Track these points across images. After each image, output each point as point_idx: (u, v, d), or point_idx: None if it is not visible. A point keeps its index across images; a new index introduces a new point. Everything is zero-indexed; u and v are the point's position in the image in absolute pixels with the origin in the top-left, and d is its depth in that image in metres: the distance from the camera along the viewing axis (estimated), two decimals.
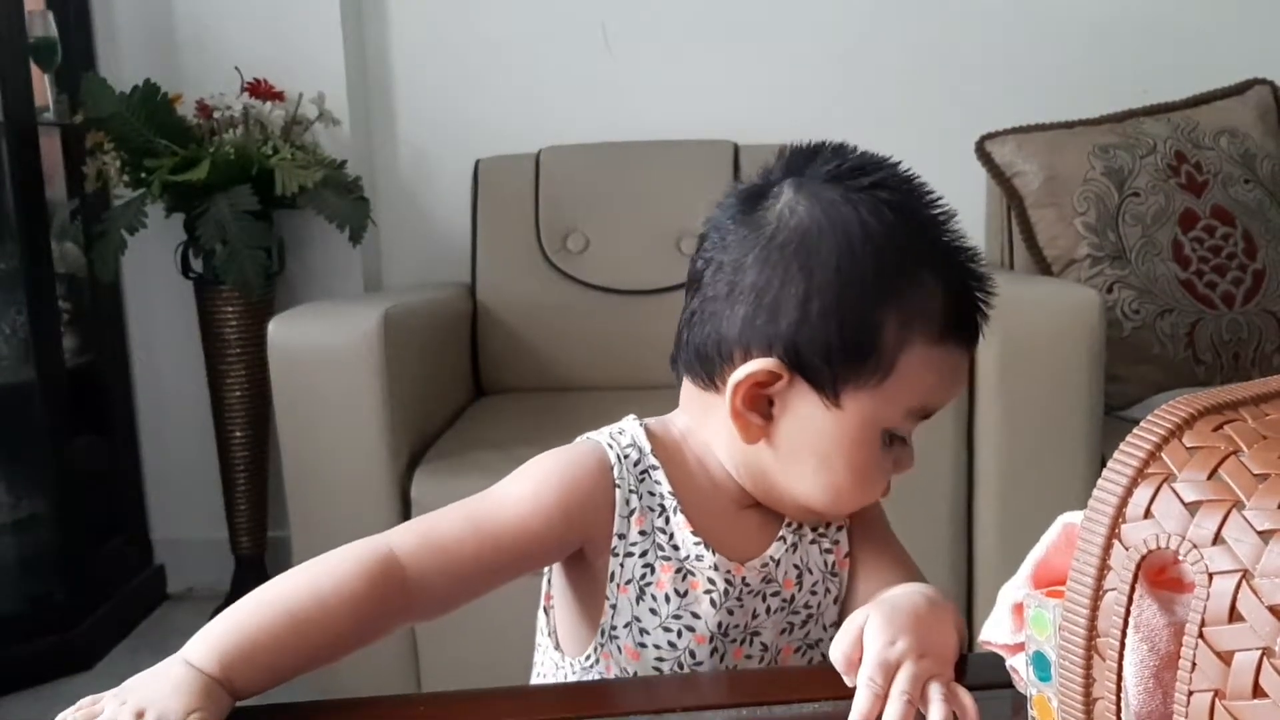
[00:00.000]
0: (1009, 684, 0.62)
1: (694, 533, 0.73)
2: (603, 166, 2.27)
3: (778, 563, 0.76)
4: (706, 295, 0.72)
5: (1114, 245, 1.91)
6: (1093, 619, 0.45)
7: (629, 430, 0.76)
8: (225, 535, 2.30)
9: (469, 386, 2.21)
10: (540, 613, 0.80)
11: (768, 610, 0.76)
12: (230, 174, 2.07)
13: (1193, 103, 2.09)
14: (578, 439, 0.78)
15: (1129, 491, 0.45)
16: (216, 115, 2.16)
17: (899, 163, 0.72)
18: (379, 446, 1.67)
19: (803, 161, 0.72)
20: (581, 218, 2.22)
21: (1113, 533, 0.45)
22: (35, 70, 2.13)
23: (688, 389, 0.76)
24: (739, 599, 0.74)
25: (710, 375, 0.72)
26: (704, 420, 0.75)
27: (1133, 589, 0.44)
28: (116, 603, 2.27)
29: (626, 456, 0.74)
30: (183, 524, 2.46)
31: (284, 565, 1.82)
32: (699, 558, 0.73)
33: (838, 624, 0.74)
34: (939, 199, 0.71)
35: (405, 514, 1.68)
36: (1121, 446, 0.46)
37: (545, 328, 2.20)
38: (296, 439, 1.69)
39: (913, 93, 2.40)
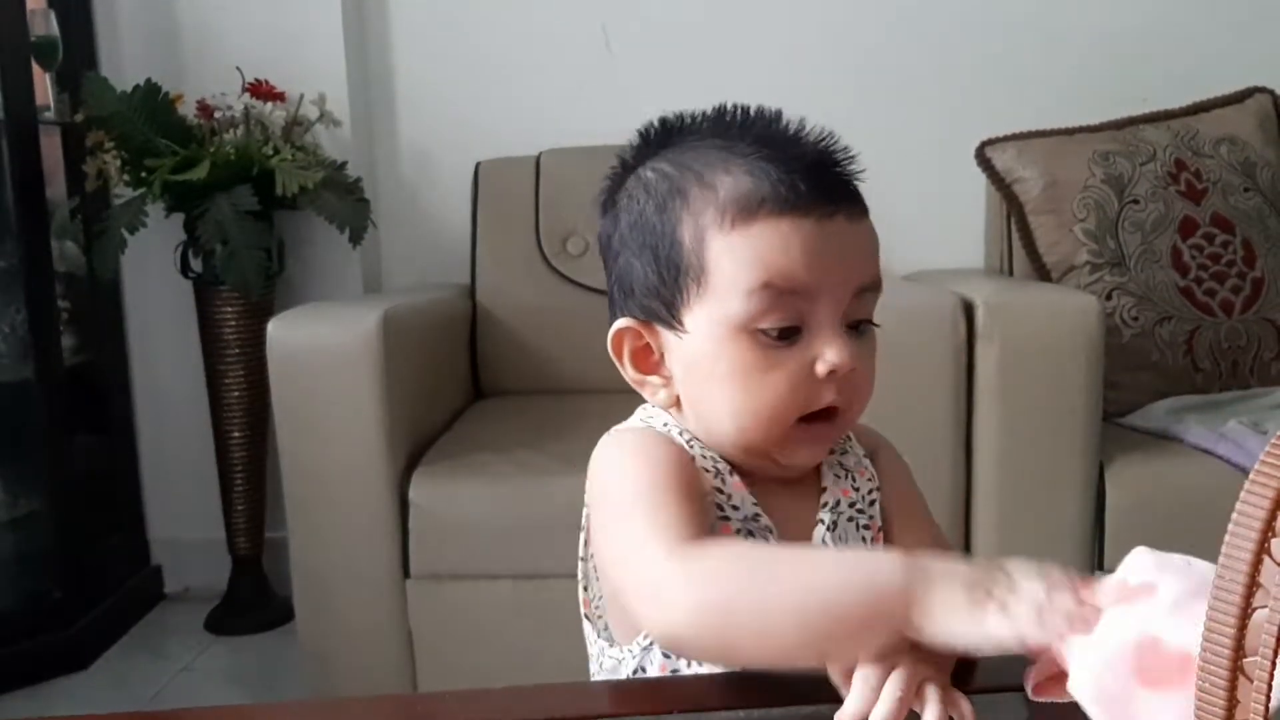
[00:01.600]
0: (1018, 687, 0.61)
1: (751, 492, 0.73)
2: (603, 169, 2.25)
3: (825, 542, 0.75)
4: None
5: (1113, 252, 1.91)
6: (1239, 639, 0.43)
7: (656, 416, 0.77)
8: (222, 535, 2.30)
9: (467, 388, 2.21)
10: (583, 623, 0.78)
11: None
12: (231, 174, 2.07)
13: (1193, 110, 2.10)
14: (604, 437, 0.76)
15: (1277, 504, 0.43)
16: (217, 115, 2.16)
17: (725, 107, 0.75)
18: (377, 448, 1.67)
19: (638, 152, 0.77)
20: (581, 221, 2.22)
21: (1262, 547, 0.43)
22: (36, 69, 2.13)
23: None
24: None
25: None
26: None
27: None
28: (113, 602, 2.27)
29: (667, 429, 0.74)
30: (180, 524, 2.46)
31: (281, 566, 1.83)
32: (756, 517, 0.72)
33: None
34: (760, 110, 0.74)
35: (403, 516, 1.68)
36: (1263, 457, 0.45)
37: (544, 330, 2.20)
38: (295, 439, 1.69)
39: (914, 99, 2.40)
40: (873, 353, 0.73)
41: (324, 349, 1.67)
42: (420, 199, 2.49)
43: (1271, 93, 2.15)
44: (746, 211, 0.68)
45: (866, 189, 0.73)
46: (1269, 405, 1.78)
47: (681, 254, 0.70)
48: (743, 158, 0.70)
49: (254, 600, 2.29)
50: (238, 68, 2.24)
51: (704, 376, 0.71)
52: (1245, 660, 0.43)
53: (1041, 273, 1.97)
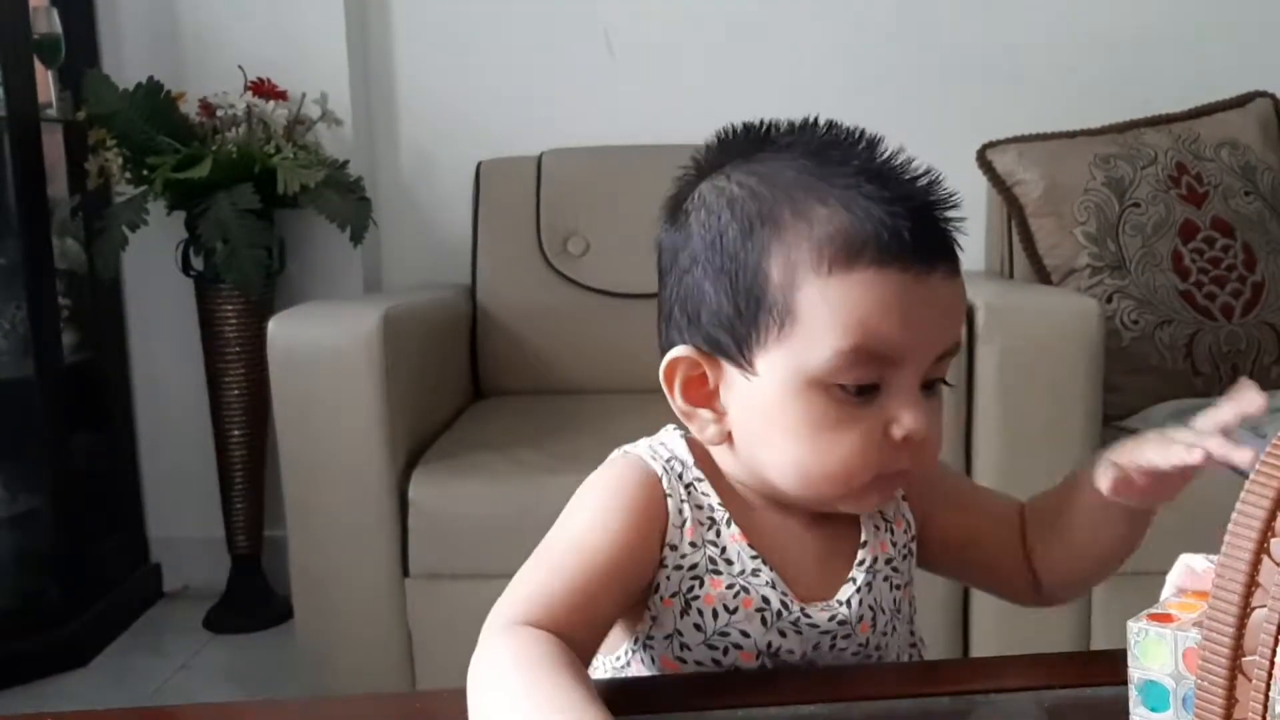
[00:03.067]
0: (1030, 687, 0.62)
1: (750, 545, 0.69)
2: (604, 170, 2.27)
3: (849, 605, 0.71)
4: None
5: (1114, 255, 1.91)
6: (1238, 639, 0.43)
7: (669, 443, 0.73)
8: (222, 534, 2.30)
9: (468, 388, 2.21)
10: None
11: (833, 645, 0.71)
12: (232, 173, 2.07)
13: (1194, 114, 2.09)
14: (614, 453, 0.74)
15: (1277, 504, 0.43)
16: (219, 114, 2.17)
17: (816, 122, 0.69)
18: (377, 447, 1.66)
19: (715, 156, 0.71)
20: (582, 221, 2.22)
21: (1261, 548, 0.43)
22: (39, 67, 2.14)
23: None
24: (795, 627, 0.70)
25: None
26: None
27: None
28: (112, 600, 2.27)
29: (671, 468, 0.71)
30: (179, 522, 2.46)
31: (280, 565, 1.82)
32: (755, 572, 0.69)
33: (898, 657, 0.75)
34: (857, 133, 0.68)
35: (402, 515, 1.68)
36: (1263, 458, 0.45)
37: (544, 330, 2.20)
38: (294, 438, 1.69)
39: (914, 101, 2.40)
40: (940, 411, 0.69)
41: (324, 348, 1.67)
42: (421, 198, 2.49)
43: (1273, 97, 2.15)
44: (847, 256, 0.62)
45: None
46: (1270, 409, 1.78)
47: (767, 289, 0.64)
48: (844, 189, 0.64)
49: (253, 599, 2.28)
50: (240, 66, 2.25)
51: (768, 424, 0.66)
52: (1244, 660, 0.43)
53: (1042, 275, 1.97)
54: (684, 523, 0.69)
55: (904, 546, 0.76)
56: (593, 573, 0.66)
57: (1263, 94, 2.15)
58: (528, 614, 0.64)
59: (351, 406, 1.66)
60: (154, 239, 2.22)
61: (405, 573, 1.69)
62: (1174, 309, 1.88)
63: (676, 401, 0.70)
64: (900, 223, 0.62)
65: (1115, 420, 1.84)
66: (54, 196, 2.19)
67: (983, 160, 2.04)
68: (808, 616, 0.70)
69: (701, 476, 0.71)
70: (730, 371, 0.68)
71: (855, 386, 0.64)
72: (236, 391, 2.20)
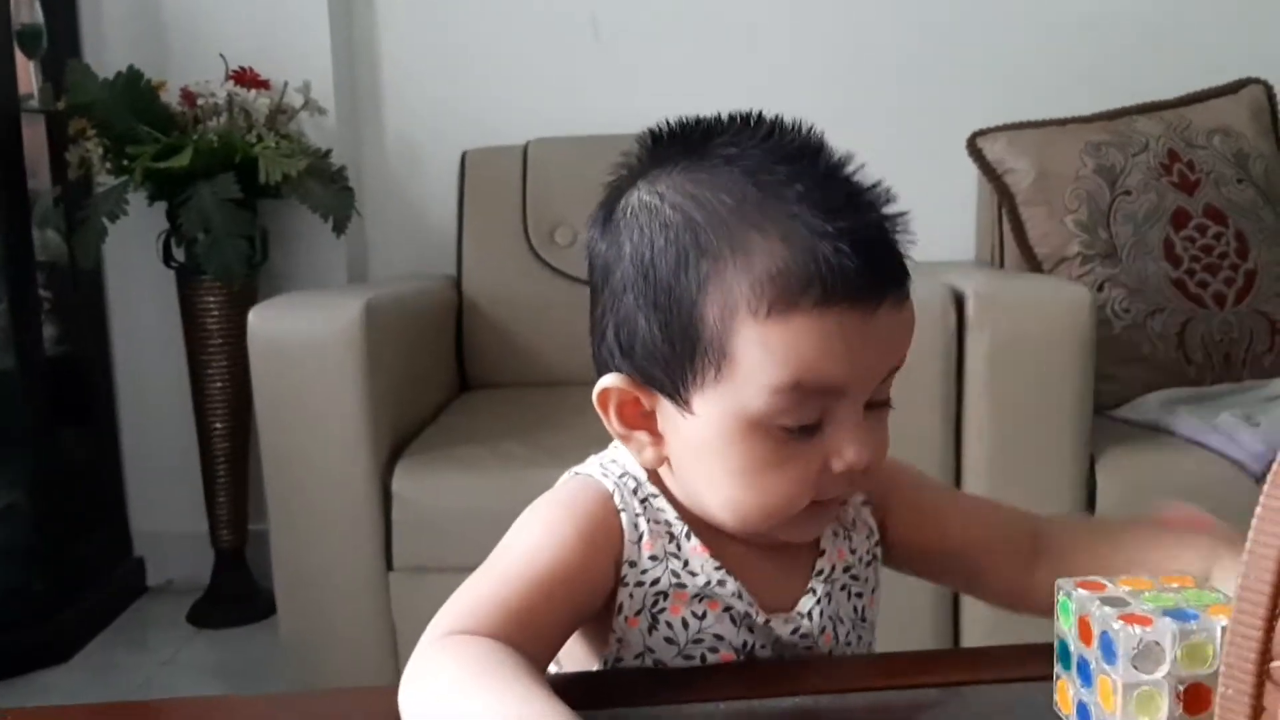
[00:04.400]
0: (1036, 677, 0.61)
1: (713, 556, 0.67)
2: (591, 159, 2.21)
3: (810, 619, 0.69)
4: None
5: (1105, 243, 1.89)
6: (1266, 643, 0.40)
7: (619, 459, 0.70)
8: (206, 528, 2.28)
9: (453, 380, 2.19)
10: None
11: (808, 650, 0.70)
12: (213, 162, 2.05)
13: (1186, 101, 2.08)
14: (563, 476, 0.72)
15: None
16: (201, 103, 2.14)
17: (761, 121, 0.64)
18: (360, 439, 1.65)
19: (649, 157, 0.66)
20: (569, 211, 2.20)
21: None
22: (20, 57, 2.11)
23: None
24: (765, 632, 0.68)
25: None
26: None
27: None
28: (95, 594, 2.25)
29: (624, 484, 0.68)
30: (163, 516, 2.43)
31: (265, 558, 1.80)
32: (720, 583, 0.67)
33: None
34: (801, 139, 0.63)
35: (386, 508, 1.66)
36: None
37: (531, 322, 2.18)
38: (276, 431, 1.67)
39: (905, 89, 2.38)
40: (885, 426, 0.66)
41: (305, 339, 1.64)
42: (406, 188, 2.46)
43: (1265, 84, 2.13)
44: (786, 299, 0.59)
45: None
46: (1261, 398, 1.76)
47: (702, 331, 0.61)
48: (786, 219, 0.59)
49: (237, 593, 2.26)
50: (221, 55, 2.22)
51: (705, 462, 0.64)
52: (1273, 665, 0.40)
53: (1032, 264, 1.95)
54: (640, 537, 0.67)
55: (867, 553, 0.73)
56: (540, 584, 0.63)
57: (1255, 81, 2.13)
58: (468, 624, 0.60)
59: (333, 398, 1.64)
60: (135, 230, 2.19)
61: (389, 566, 1.68)
62: (1166, 297, 1.87)
63: (612, 424, 0.67)
64: (845, 262, 0.58)
65: (1106, 410, 1.82)
66: (36, 188, 2.17)
67: (973, 148, 2.02)
68: (771, 630, 0.68)
69: (657, 492, 0.68)
70: (666, 404, 0.65)
71: (798, 426, 0.61)
72: (219, 384, 2.17)
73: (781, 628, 0.68)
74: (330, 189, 2.14)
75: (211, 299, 2.15)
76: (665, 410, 0.65)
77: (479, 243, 2.23)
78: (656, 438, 0.66)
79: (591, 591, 0.66)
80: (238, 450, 2.22)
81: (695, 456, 0.64)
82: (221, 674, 2.06)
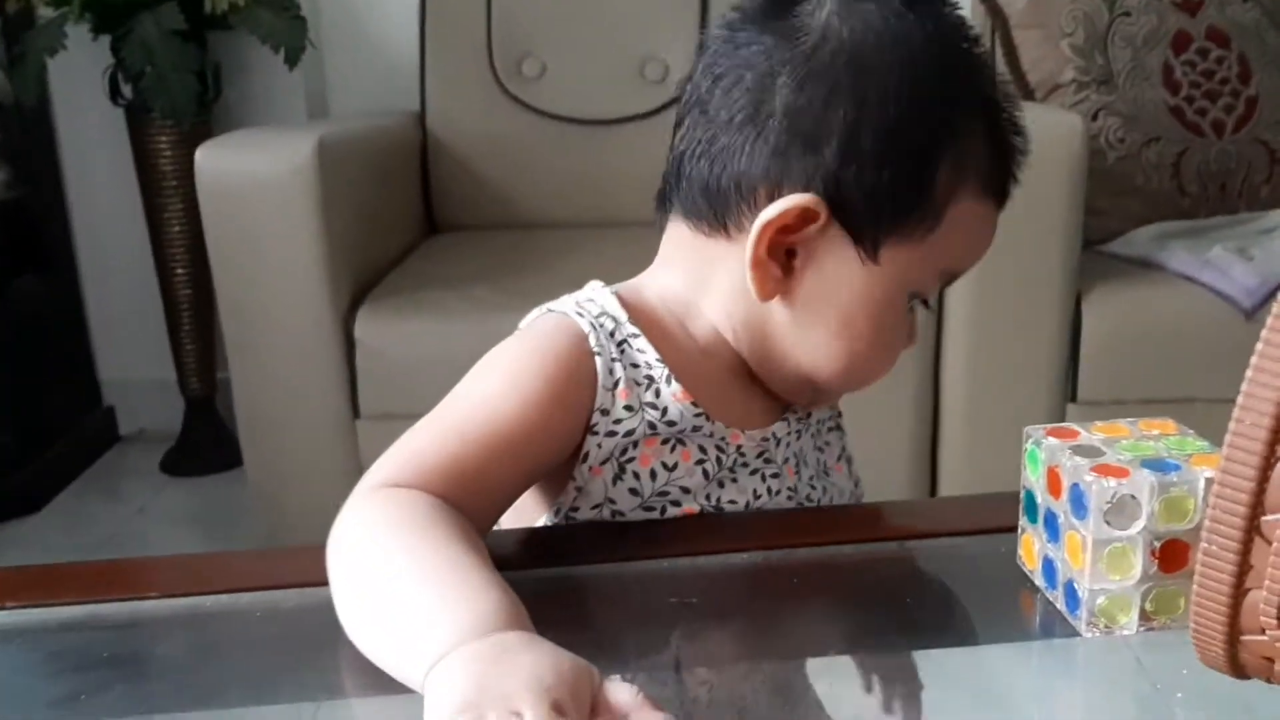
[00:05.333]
0: (1012, 527, 0.58)
1: (693, 403, 0.62)
2: None
3: (779, 442, 0.66)
4: (717, 119, 0.59)
5: (1101, 69, 1.80)
6: (1259, 494, 0.35)
7: (598, 298, 0.64)
8: (174, 376, 2.23)
9: (420, 223, 2.10)
10: None
11: (769, 492, 0.66)
12: None
13: None
14: (534, 312, 0.66)
15: None
16: None
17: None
18: (318, 284, 1.58)
19: None
20: (537, 41, 2.08)
21: None
22: None
23: (678, 237, 0.64)
24: (732, 473, 0.65)
25: (723, 217, 0.60)
26: (699, 274, 0.64)
27: None
28: (65, 444, 2.21)
29: (601, 325, 0.62)
30: (131, 364, 2.38)
31: (234, 408, 1.73)
32: (696, 429, 0.63)
33: None
34: (978, 37, 0.63)
35: (350, 355, 1.61)
36: None
37: (500, 160, 2.09)
38: (230, 276, 1.60)
39: None
40: None
41: (256, 178, 1.56)
42: (364, 18, 2.31)
43: None
44: (985, 185, 0.61)
45: None
46: (1257, 231, 1.70)
47: (930, 189, 0.58)
48: (980, 115, 0.61)
49: (209, 441, 2.23)
50: None
51: (850, 312, 0.61)
52: (1264, 519, 0.36)
53: (1025, 91, 1.86)
54: (616, 384, 0.61)
55: (831, 420, 0.74)
56: (496, 441, 0.57)
57: None
58: (407, 477, 0.55)
59: (288, 241, 1.57)
60: (81, 66, 2.07)
61: (356, 414, 1.63)
62: (1162, 126, 1.78)
63: (760, 244, 0.59)
64: (1013, 165, 0.63)
65: (1096, 244, 1.76)
66: None
67: None
68: (741, 454, 0.65)
69: (638, 332, 0.63)
70: (841, 244, 0.59)
71: (920, 302, 0.64)
72: (177, 228, 2.09)
73: (749, 445, 0.65)
74: (281, 17, 2.01)
75: (164, 139, 2.04)
76: (832, 250, 0.60)
77: (442, 76, 2.11)
78: (785, 274, 0.60)
79: (558, 449, 0.61)
80: (201, 297, 2.15)
81: (828, 304, 0.61)
82: (194, 522, 2.05)
